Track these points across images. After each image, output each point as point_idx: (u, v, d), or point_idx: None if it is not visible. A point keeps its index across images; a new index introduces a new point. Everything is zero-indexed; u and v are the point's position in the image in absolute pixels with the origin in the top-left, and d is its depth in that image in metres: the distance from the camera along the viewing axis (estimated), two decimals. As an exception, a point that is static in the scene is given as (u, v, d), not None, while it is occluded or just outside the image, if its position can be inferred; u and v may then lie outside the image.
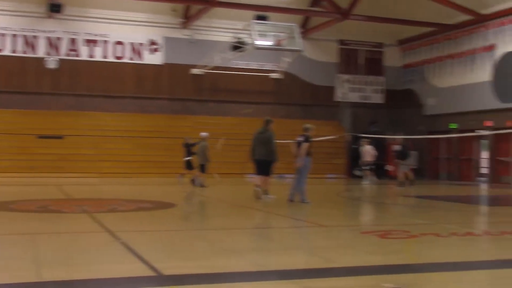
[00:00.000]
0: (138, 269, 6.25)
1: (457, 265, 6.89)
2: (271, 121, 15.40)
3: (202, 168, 20.09)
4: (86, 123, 26.75)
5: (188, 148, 21.63)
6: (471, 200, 16.86)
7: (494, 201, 17.79)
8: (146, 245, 8.00)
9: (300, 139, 14.28)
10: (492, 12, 25.31)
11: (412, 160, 21.72)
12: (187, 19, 28.08)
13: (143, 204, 13.67)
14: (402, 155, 21.70)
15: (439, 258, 7.38)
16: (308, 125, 14.54)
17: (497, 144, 25.38)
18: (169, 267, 6.36)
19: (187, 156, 21.62)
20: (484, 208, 15.63)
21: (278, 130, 15.92)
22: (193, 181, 20.33)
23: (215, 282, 5.83)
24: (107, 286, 5.64)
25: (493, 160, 25.49)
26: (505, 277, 6.44)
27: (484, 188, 23.11)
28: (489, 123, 25.10)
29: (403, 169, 21.49)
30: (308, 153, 14.10)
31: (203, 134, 20.64)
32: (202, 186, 19.75)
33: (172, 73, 28.52)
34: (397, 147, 29.11)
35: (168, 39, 28.33)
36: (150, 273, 6.10)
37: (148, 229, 9.79)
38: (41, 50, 26.79)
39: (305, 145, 14.00)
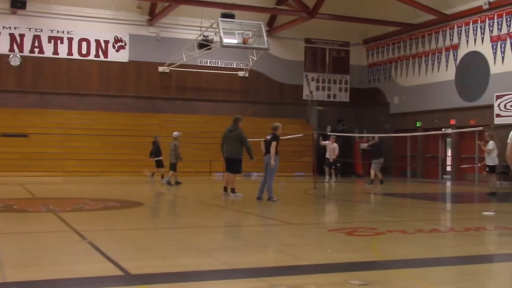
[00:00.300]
0: (105, 269, 6.18)
1: (423, 262, 6.98)
2: (239, 119, 15.41)
3: (173, 167, 20.08)
4: (51, 121, 26.36)
5: (157, 147, 21.61)
6: (436, 198, 17.11)
7: (458, 198, 18.09)
8: (113, 244, 7.93)
9: (269, 137, 14.29)
10: (456, 12, 25.72)
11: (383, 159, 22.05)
12: (153, 16, 27.88)
13: (110, 203, 13.54)
14: (376, 153, 21.98)
15: (405, 254, 7.48)
16: (276, 124, 14.58)
17: (460, 142, 25.81)
18: (137, 266, 6.31)
19: (156, 155, 21.61)
20: (448, 205, 15.88)
21: (245, 128, 15.92)
22: (163, 180, 20.26)
23: (184, 281, 5.81)
24: (74, 286, 5.57)
25: (457, 158, 25.91)
26: (469, 273, 6.56)
27: (448, 186, 23.48)
28: (453, 122, 25.51)
29: (375, 168, 21.73)
30: (276, 152, 14.13)
31: (175, 133, 20.61)
32: (171, 184, 19.74)
33: (139, 71, 28.29)
34: (364, 145, 29.40)
35: (134, 37, 28.08)
36: (117, 272, 6.05)
37: (115, 228, 9.70)
38: (4, 47, 26.29)
39: (274, 144, 14.02)
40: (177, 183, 20.01)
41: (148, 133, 25.63)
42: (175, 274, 6.08)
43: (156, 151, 22.09)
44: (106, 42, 27.73)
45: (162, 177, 21.56)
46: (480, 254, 7.79)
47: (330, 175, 23.66)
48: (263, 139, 14.69)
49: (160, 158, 21.86)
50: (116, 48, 27.88)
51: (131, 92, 28.21)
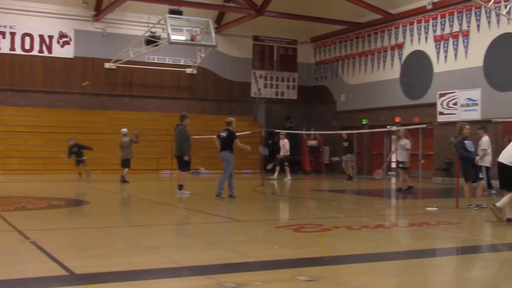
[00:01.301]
0: (49, 269, 6.06)
1: (368, 257, 7.10)
2: (185, 117, 15.36)
3: (126, 163, 19.91)
4: (-8, 118, 25.63)
5: (73, 150, 21.31)
6: (382, 194, 17.42)
7: (402, 195, 18.44)
8: (58, 244, 7.78)
9: (224, 134, 14.14)
10: (401, 12, 26.21)
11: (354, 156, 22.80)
12: (99, 12, 27.40)
13: (54, 202, 13.27)
14: (348, 150, 22.50)
15: (351, 250, 7.59)
16: (230, 119, 14.49)
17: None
18: (82, 266, 6.21)
19: (72, 156, 21.27)
20: (393, 201, 16.19)
21: (193, 125, 15.92)
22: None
23: (130, 279, 5.75)
24: (17, 287, 5.44)
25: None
26: (413, 267, 6.70)
27: (394, 182, 23.93)
28: (398, 119, 26.00)
29: (348, 164, 22.39)
30: (231, 149, 14.03)
31: (124, 130, 20.41)
32: (126, 181, 19.57)
33: (84, 67, 27.76)
34: (312, 143, 29.68)
35: (79, 32, 27.52)
36: (62, 272, 5.94)
37: (59, 227, 9.51)
38: None
39: (237, 141, 13.99)
40: (124, 181, 19.78)
41: (94, 130, 25.23)
42: (121, 273, 6.00)
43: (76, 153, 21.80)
44: (51, 37, 27.09)
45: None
46: (423, 249, 7.98)
47: (280, 172, 23.70)
48: (217, 136, 14.51)
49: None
50: (60, 44, 27.27)
51: (76, 89, 27.67)
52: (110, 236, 8.78)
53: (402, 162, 17.98)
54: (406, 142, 17.91)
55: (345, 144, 22.82)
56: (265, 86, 31.38)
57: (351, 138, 23.99)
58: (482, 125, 17.05)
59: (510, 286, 5.82)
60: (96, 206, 13.05)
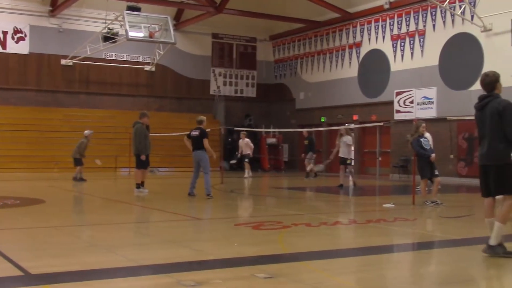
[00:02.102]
0: (3, 269, 5.93)
1: (327, 253, 7.16)
2: (143, 115, 15.20)
3: (78, 162, 19.64)
4: None
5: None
6: (340, 191, 17.57)
7: (360, 192, 18.66)
8: (13, 244, 7.63)
9: (195, 132, 13.85)
10: (358, 11, 26.50)
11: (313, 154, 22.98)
12: (55, 7, 26.91)
13: (9, 201, 12.98)
14: (310, 148, 22.62)
15: (310, 247, 7.64)
16: (202, 117, 14.27)
17: (363, 137, 26.64)
18: (37, 266, 6.09)
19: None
20: (351, 198, 16.36)
21: (152, 123, 15.75)
22: (75, 178, 19.71)
23: (88, 279, 5.67)
24: (-31, 288, 5.31)
25: (360, 152, 26.70)
26: (370, 263, 6.79)
27: (351, 179, 24.18)
28: (356, 117, 26.29)
29: (310, 162, 22.55)
30: (204, 147, 13.81)
31: (87, 132, 20.16)
32: (78, 180, 19.33)
33: (40, 63, 27.25)
34: (271, 141, 29.73)
35: (34, 28, 26.97)
36: (17, 273, 5.82)
37: (14, 227, 9.31)
38: None
39: (206, 141, 13.74)
40: (81, 179, 19.56)
41: (49, 128, 24.79)
42: (78, 272, 5.91)
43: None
44: (5, 32, 26.47)
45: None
46: (381, 245, 8.08)
47: (242, 170, 23.66)
48: (187, 134, 14.16)
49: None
50: (15, 40, 26.68)
51: (32, 85, 27.12)
52: (66, 235, 8.64)
53: (346, 159, 18.45)
54: (348, 139, 18.49)
55: (305, 142, 22.98)
56: (224, 84, 31.34)
57: (312, 136, 24.17)
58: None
59: (465, 280, 5.94)
60: (53, 205, 12.82)
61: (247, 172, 23.17)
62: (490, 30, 20.84)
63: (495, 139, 6.72)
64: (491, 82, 6.97)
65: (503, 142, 6.68)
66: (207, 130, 14.12)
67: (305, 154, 23.15)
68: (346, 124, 21.33)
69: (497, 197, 6.95)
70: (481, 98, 7.02)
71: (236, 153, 23.87)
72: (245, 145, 23.41)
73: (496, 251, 6.60)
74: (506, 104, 6.73)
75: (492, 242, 6.64)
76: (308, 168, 22.86)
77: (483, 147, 6.86)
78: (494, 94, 6.92)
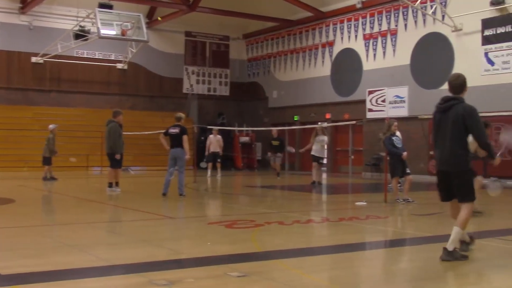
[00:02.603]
0: (-28, 270, 5.83)
1: (300, 251, 7.19)
2: (117, 113, 15.05)
3: (47, 161, 19.39)
4: None
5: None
6: (313, 189, 17.65)
7: (333, 190, 18.77)
8: (-19, 244, 7.50)
9: (175, 130, 13.58)
10: (331, 10, 26.63)
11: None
12: (25, 4, 26.52)
13: (-22, 201, 12.77)
14: (279, 149, 22.46)
15: (283, 245, 7.66)
16: (181, 114, 14.09)
17: (336, 135, 26.78)
18: (8, 266, 6.01)
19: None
20: (324, 197, 16.44)
21: (124, 122, 15.61)
22: (45, 177, 19.46)
23: (59, 279, 5.61)
24: None
25: (332, 150, 26.84)
26: (343, 261, 6.83)
27: (324, 177, 24.31)
28: (328, 116, 26.42)
29: (278, 160, 22.46)
30: (183, 145, 13.60)
31: (51, 126, 19.87)
32: (47, 179, 19.10)
33: (10, 61, 26.84)
34: (244, 139, 29.69)
35: (4, 25, 26.54)
36: (-15, 273, 5.72)
37: (-17, 227, 9.16)
38: None
39: (186, 138, 13.55)
40: (52, 178, 19.34)
41: (19, 126, 24.47)
42: (49, 272, 5.85)
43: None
44: (-27, 30, 26.08)
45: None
46: (353, 243, 8.14)
47: (213, 169, 23.08)
48: (165, 133, 13.88)
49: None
50: (-16, 37, 26.28)
51: (1, 83, 26.69)
52: (37, 235, 8.53)
53: (319, 157, 18.74)
54: (324, 138, 18.71)
55: (275, 143, 22.55)
56: (197, 82, 31.23)
57: (283, 137, 23.97)
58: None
59: (436, 277, 6.01)
60: (23, 205, 12.65)
61: (219, 172, 22.73)
62: (460, 30, 21.12)
63: (457, 145, 6.54)
64: (461, 84, 6.75)
65: (464, 148, 6.55)
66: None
67: (273, 153, 22.59)
68: (319, 123, 21.37)
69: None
70: (446, 100, 6.77)
71: (206, 153, 23.12)
72: (216, 141, 22.88)
73: (455, 256, 6.43)
74: (471, 111, 6.56)
75: (450, 247, 6.44)
76: (278, 168, 22.69)
77: (443, 152, 6.66)
78: (460, 98, 6.70)
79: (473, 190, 6.62)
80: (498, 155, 7.84)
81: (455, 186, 6.63)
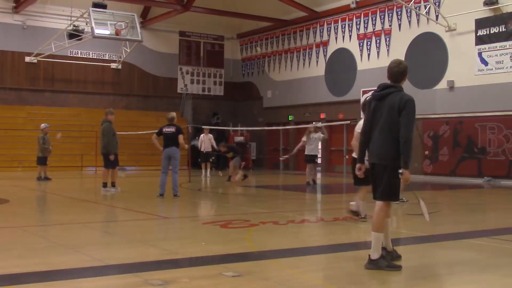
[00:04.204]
0: (-35, 271, 5.81)
1: (295, 251, 7.19)
2: (109, 113, 15.01)
3: (42, 161, 19.35)
4: None
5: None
6: (307, 189, 17.66)
7: (327, 190, 18.78)
8: (-25, 245, 7.47)
9: (171, 129, 13.47)
10: (325, 10, 26.67)
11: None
12: (19, 3, 26.45)
13: (-29, 201, 12.73)
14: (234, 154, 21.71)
15: (278, 245, 7.66)
16: (173, 114, 14.02)
17: (330, 135, 26.78)
18: (1, 267, 5.99)
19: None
20: (319, 196, 16.45)
21: (118, 122, 15.63)
22: (39, 177, 19.43)
23: (53, 279, 5.59)
24: None
25: (327, 150, 26.88)
26: (338, 260, 6.84)
27: (319, 177, 24.34)
28: (323, 115, 26.45)
29: (236, 162, 21.43)
30: (178, 145, 13.52)
31: (42, 125, 19.84)
32: (41, 179, 19.05)
33: (3, 60, 26.78)
34: (239, 139, 29.68)
35: (-3, 25, 26.51)
36: (-21, 274, 5.71)
37: (-23, 227, 9.13)
38: None
39: (182, 137, 13.51)
40: (46, 178, 19.29)
41: (13, 126, 24.41)
42: (43, 273, 5.83)
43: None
44: (-34, 29, 25.98)
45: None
46: (348, 242, 8.15)
47: (206, 169, 22.94)
48: (158, 133, 13.73)
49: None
50: (-23, 36, 26.20)
51: (-5, 83, 26.66)
52: (31, 235, 8.51)
53: (314, 156, 18.75)
54: (317, 136, 18.66)
55: (229, 155, 20.47)
56: (192, 82, 31.23)
57: (232, 145, 22.73)
58: None
59: (429, 276, 6.02)
60: (17, 205, 12.61)
61: (208, 172, 22.54)
62: (454, 30, 21.19)
63: (389, 137, 6.00)
64: (403, 72, 6.22)
65: (396, 141, 5.94)
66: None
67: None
68: (314, 123, 21.37)
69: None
70: (383, 87, 6.20)
71: (202, 150, 22.99)
72: (208, 140, 22.75)
73: (379, 265, 5.98)
74: (408, 100, 5.98)
75: (374, 255, 6.01)
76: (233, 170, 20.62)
77: (378, 144, 6.08)
78: (398, 86, 6.17)
79: (396, 190, 6.12)
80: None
81: (376, 180, 6.15)
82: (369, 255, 6.05)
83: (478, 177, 20.26)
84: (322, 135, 18.88)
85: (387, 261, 6.04)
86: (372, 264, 5.98)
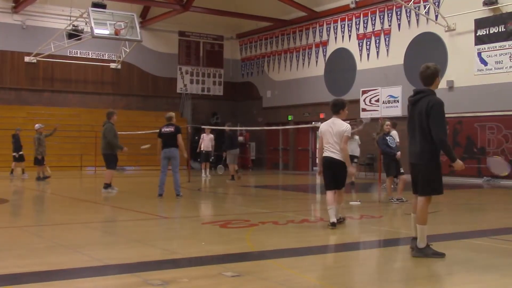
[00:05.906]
0: (-35, 271, 5.81)
1: (294, 251, 7.19)
2: (111, 113, 14.99)
3: (39, 161, 19.35)
4: None
5: (17, 140, 20.80)
6: (307, 189, 17.66)
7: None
8: (-25, 245, 7.47)
9: (170, 128, 13.39)
10: (325, 10, 26.66)
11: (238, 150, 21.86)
12: (18, 3, 26.44)
13: (-29, 201, 12.72)
14: (228, 144, 21.28)
15: (277, 245, 7.66)
16: (171, 113, 13.95)
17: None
18: (1, 267, 5.99)
19: (16, 149, 20.74)
20: (318, 196, 16.44)
21: (118, 122, 15.56)
22: (24, 175, 19.45)
23: (53, 279, 5.59)
24: None
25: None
26: (337, 260, 6.84)
27: (318, 177, 24.33)
28: (322, 115, 26.42)
29: (230, 160, 20.91)
30: (177, 144, 13.46)
31: (37, 126, 19.84)
32: (41, 179, 19.06)
33: (3, 60, 26.76)
34: (238, 139, 29.63)
35: (-3, 24, 26.50)
36: (-21, 274, 5.70)
37: (-24, 227, 9.13)
38: None
39: (180, 137, 13.45)
40: (44, 177, 19.29)
41: (13, 126, 24.35)
42: (43, 273, 5.83)
43: (17, 145, 21.23)
44: (-34, 29, 25.96)
45: (23, 172, 20.89)
46: (347, 242, 8.15)
47: (205, 169, 22.87)
48: (159, 133, 13.60)
49: (21, 152, 21.12)
50: (-24, 36, 26.18)
51: (-6, 83, 26.64)
52: (31, 235, 8.51)
53: (354, 157, 18.19)
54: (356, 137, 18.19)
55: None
56: (191, 82, 31.22)
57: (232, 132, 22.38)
58: (393, 121, 17.15)
59: (429, 276, 6.02)
60: (17, 204, 12.61)
61: (208, 172, 22.52)
62: (453, 30, 21.19)
63: (422, 139, 6.49)
64: (432, 75, 6.68)
65: (431, 142, 6.45)
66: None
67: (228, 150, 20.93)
68: (313, 123, 21.27)
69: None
70: (415, 93, 6.74)
71: (202, 150, 22.89)
72: (209, 140, 22.70)
73: (426, 252, 6.50)
74: (434, 103, 6.45)
75: (421, 244, 6.53)
76: (232, 170, 20.69)
77: (414, 146, 6.60)
78: (429, 90, 6.65)
79: (436, 184, 6.55)
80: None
81: (420, 180, 6.58)
82: (416, 245, 6.54)
83: (477, 177, 20.26)
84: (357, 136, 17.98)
85: (433, 249, 6.54)
86: (420, 252, 6.47)
